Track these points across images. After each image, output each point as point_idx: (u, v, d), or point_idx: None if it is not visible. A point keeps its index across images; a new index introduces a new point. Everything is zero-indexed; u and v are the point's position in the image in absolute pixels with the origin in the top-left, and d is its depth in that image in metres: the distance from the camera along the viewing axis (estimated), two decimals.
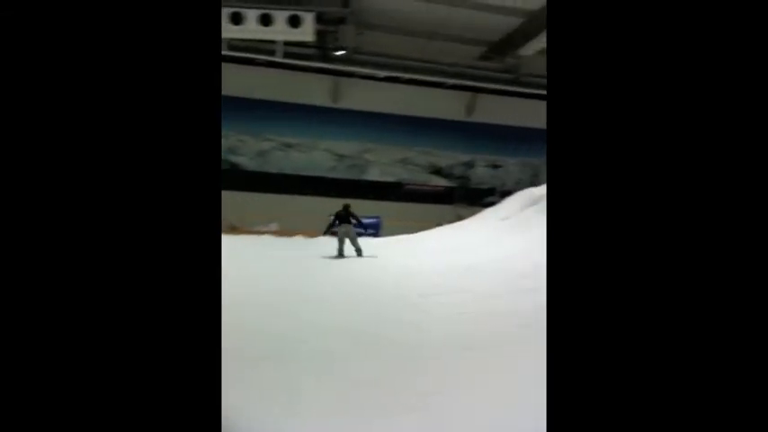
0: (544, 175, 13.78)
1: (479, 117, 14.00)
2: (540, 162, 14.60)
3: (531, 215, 7.03)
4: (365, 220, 10.62)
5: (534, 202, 7.70)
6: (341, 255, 6.89)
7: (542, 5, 10.21)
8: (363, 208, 11.69)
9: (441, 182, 14.36)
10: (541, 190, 8.31)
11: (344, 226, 7.07)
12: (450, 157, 14.44)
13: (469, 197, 13.49)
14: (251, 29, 9.43)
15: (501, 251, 5.81)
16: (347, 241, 6.95)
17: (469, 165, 14.60)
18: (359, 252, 6.95)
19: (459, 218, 10.21)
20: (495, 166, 14.72)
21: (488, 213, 8.03)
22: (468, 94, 13.38)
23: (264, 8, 9.43)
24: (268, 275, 5.12)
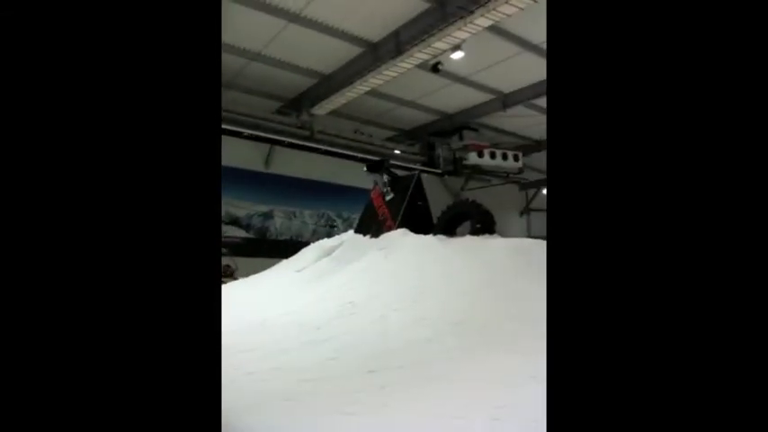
0: (337, 228, 14.65)
1: (277, 169, 14.26)
2: (334, 215, 15.51)
3: (324, 266, 7.41)
4: None
5: (328, 253, 8.14)
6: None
7: (335, 69, 11.19)
8: None
9: (239, 233, 14.03)
10: (334, 241, 8.84)
11: None
12: (247, 208, 14.25)
13: (269, 249, 13.45)
14: None
15: (294, 303, 5.96)
16: None
17: (268, 216, 14.65)
18: None
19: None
20: (293, 218, 15.06)
21: (284, 264, 8.16)
22: (266, 146, 13.56)
23: None
24: None
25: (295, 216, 15.07)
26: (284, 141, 12.69)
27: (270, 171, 14.24)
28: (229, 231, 13.80)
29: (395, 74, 10.29)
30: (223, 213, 13.80)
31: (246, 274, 8.29)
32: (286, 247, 11.84)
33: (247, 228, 14.20)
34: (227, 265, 11.63)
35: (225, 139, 12.19)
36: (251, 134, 12.16)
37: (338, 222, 15.54)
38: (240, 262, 12.14)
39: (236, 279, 9.73)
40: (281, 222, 14.82)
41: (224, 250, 12.65)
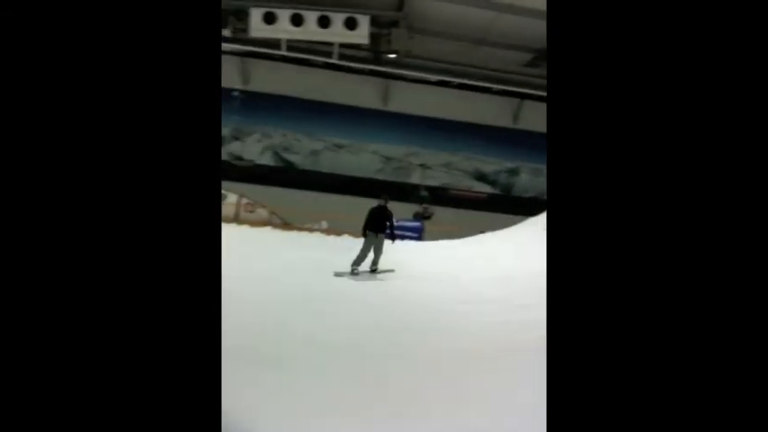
0: None
1: (525, 124, 14.01)
2: None
3: None
4: (409, 224, 10.87)
5: None
6: (355, 270, 5.64)
7: None
8: (409, 211, 12.00)
9: (485, 188, 14.50)
10: None
11: (379, 235, 5.74)
12: (494, 164, 14.55)
13: (512, 205, 13.60)
14: (310, 30, 10.03)
15: (538, 262, 5.97)
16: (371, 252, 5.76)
17: (514, 172, 14.67)
18: (374, 268, 5.84)
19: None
20: (539, 175, 14.68)
21: (531, 221, 8.17)
22: (514, 101, 13.43)
23: (323, 10, 9.98)
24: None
25: (542, 173, 14.68)
26: (534, 95, 12.29)
27: (518, 126, 14.11)
28: (475, 186, 14.40)
29: None
30: (471, 169, 14.46)
31: (492, 230, 8.60)
32: (530, 205, 11.75)
33: (493, 184, 14.57)
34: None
35: (473, 96, 12.58)
36: (501, 89, 12.15)
37: None
38: (483, 216, 12.65)
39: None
40: (526, 179, 14.70)
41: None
